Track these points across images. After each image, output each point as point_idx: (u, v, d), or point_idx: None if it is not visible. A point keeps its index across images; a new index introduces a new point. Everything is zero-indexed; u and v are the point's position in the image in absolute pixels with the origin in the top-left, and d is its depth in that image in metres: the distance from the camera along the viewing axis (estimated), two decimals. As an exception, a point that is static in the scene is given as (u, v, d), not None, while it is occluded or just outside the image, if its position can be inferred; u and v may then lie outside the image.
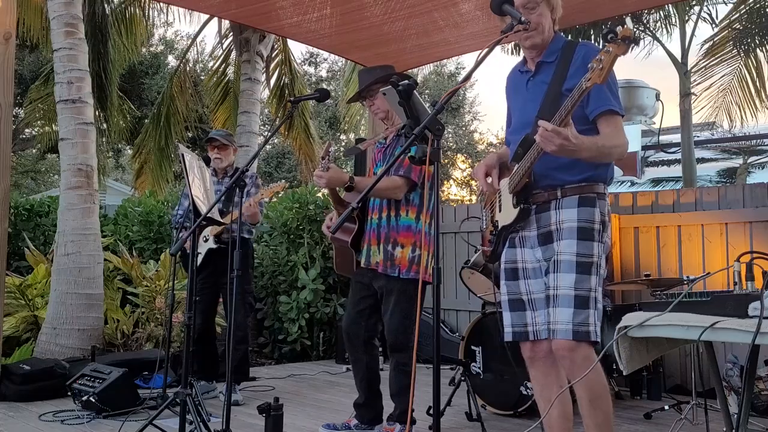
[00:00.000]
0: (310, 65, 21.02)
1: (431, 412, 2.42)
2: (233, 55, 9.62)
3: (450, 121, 20.13)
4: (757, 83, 8.99)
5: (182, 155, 3.35)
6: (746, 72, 9.03)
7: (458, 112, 20.63)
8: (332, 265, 5.93)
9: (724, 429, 2.51)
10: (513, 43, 9.67)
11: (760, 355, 2.93)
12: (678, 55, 10.13)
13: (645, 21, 9.99)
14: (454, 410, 3.90)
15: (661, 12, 9.82)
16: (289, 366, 6.08)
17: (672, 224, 5.02)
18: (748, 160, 17.00)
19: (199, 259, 4.45)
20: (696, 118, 10.02)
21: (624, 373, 2.23)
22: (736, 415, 2.01)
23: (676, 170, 14.42)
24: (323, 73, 21.49)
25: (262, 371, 5.67)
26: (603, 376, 2.36)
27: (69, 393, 4.18)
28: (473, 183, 21.11)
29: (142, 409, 3.99)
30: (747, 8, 8.65)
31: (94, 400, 3.87)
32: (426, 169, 3.21)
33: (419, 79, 17.35)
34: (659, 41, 10.14)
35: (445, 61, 18.05)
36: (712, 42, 9.08)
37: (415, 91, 2.50)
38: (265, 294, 6.60)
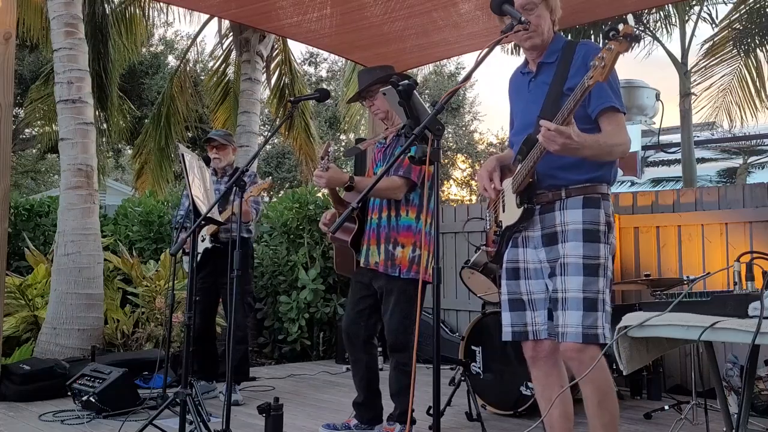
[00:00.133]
0: (310, 65, 21.04)
1: (431, 412, 2.42)
2: (233, 55, 9.62)
3: (450, 121, 20.13)
4: (757, 83, 8.99)
5: (182, 155, 3.35)
6: (746, 72, 9.03)
7: (458, 112, 20.63)
8: (332, 265, 5.94)
9: (724, 429, 2.50)
10: (513, 43, 9.67)
11: (760, 355, 2.93)
12: (678, 55, 10.13)
13: (645, 21, 9.99)
14: (454, 410, 3.90)
15: (661, 12, 9.82)
16: (289, 366, 6.08)
17: (672, 224, 5.02)
18: (748, 160, 17.00)
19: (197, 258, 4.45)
20: (696, 118, 10.03)
21: (624, 373, 2.22)
22: (736, 415, 2.01)
23: (676, 170, 14.42)
24: (323, 73, 21.51)
25: (262, 371, 5.67)
26: (610, 377, 2.35)
27: (69, 393, 4.18)
28: (473, 183, 21.13)
29: (142, 409, 3.99)
30: (747, 8, 8.65)
31: (94, 400, 3.87)
32: (426, 169, 3.21)
33: (419, 79, 17.35)
34: (659, 41, 10.15)
35: (445, 61, 18.08)
36: (712, 42, 9.08)
37: (415, 91, 2.50)
38: (265, 294, 6.60)
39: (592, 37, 9.45)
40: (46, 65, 10.63)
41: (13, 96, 4.39)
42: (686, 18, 10.09)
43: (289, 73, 9.72)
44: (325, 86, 19.62)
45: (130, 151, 15.28)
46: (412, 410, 2.36)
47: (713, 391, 2.78)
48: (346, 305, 3.69)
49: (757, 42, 8.79)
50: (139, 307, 5.83)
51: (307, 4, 5.05)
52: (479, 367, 4.13)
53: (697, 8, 9.94)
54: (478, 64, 2.22)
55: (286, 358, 6.37)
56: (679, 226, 5.00)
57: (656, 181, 17.04)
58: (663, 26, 10.09)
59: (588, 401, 2.33)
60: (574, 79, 2.27)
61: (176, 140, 9.79)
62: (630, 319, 2.13)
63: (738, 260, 2.45)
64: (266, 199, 17.34)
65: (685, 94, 9.79)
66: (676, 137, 10.33)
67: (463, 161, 21.57)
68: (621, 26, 1.90)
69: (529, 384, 3.83)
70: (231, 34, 9.34)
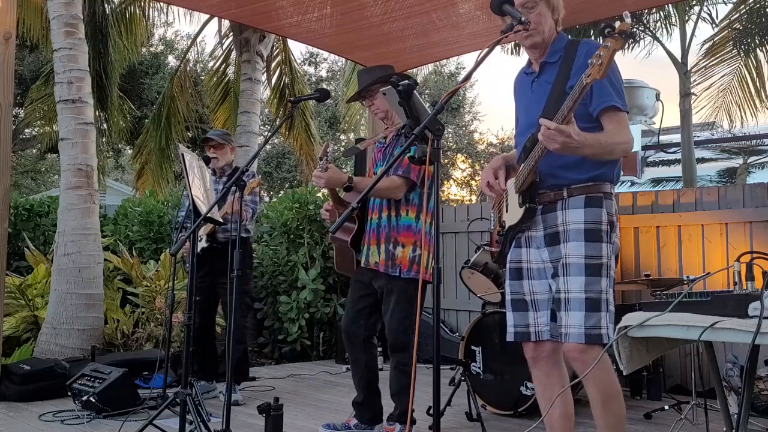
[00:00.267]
0: (310, 65, 21.02)
1: (431, 412, 2.42)
2: (233, 55, 9.62)
3: (450, 121, 20.12)
4: (757, 83, 9.00)
5: (182, 155, 3.35)
6: (746, 72, 9.03)
7: (458, 112, 20.62)
8: (332, 265, 5.94)
9: (724, 429, 2.50)
10: (513, 43, 9.67)
11: (760, 355, 2.93)
12: (678, 55, 10.14)
13: (645, 21, 10.00)
14: (454, 410, 3.90)
15: (661, 12, 9.83)
16: (289, 366, 6.08)
17: (672, 224, 5.02)
18: (748, 160, 17.01)
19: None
20: (696, 118, 10.03)
21: (624, 373, 2.22)
22: (736, 415, 2.01)
23: (676, 170, 14.44)
24: (323, 73, 21.50)
25: (262, 371, 5.67)
26: (615, 378, 2.33)
27: (69, 393, 4.18)
28: (473, 183, 21.12)
29: (142, 409, 3.99)
30: (747, 8, 8.65)
31: (94, 400, 3.87)
32: (426, 168, 3.21)
33: (419, 79, 17.34)
34: (659, 41, 10.15)
35: (445, 61, 18.06)
36: (712, 42, 9.09)
37: (415, 91, 2.50)
38: (265, 294, 6.60)
39: (592, 37, 9.45)
40: (46, 65, 10.63)
41: (13, 96, 4.39)
42: (686, 18, 10.10)
43: (289, 73, 9.72)
44: (325, 86, 19.62)
45: (130, 151, 15.28)
46: (412, 410, 2.36)
47: (713, 391, 2.78)
48: (346, 305, 3.69)
49: (757, 42, 8.80)
50: (139, 307, 5.83)
51: (307, 4, 5.05)
52: (479, 367, 4.13)
53: (697, 8, 9.95)
54: (478, 64, 2.21)
55: (286, 358, 6.37)
56: (679, 226, 5.00)
57: (656, 181, 17.06)
58: (663, 26, 10.09)
59: (593, 402, 2.33)
60: (575, 77, 2.26)
61: (176, 140, 9.79)
62: (630, 319, 2.12)
63: (738, 260, 2.46)
64: (266, 198, 17.37)
65: (685, 94, 9.79)
66: (676, 137, 10.34)
67: (463, 161, 21.57)
68: (617, 23, 1.90)
69: (529, 384, 3.83)
70: (231, 34, 9.34)
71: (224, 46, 9.91)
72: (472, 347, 4.19)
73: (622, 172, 2.54)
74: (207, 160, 4.47)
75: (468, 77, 2.36)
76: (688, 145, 9.83)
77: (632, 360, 2.15)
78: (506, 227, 2.51)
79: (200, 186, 3.50)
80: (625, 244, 5.18)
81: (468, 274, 4.29)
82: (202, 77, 13.12)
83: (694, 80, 9.66)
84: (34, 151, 18.44)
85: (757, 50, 8.86)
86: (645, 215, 5.14)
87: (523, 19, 2.29)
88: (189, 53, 10.73)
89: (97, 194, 5.62)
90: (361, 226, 3.49)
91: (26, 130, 15.77)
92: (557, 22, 2.45)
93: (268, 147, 17.95)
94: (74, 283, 5.28)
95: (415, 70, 9.70)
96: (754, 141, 15.19)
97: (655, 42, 10.20)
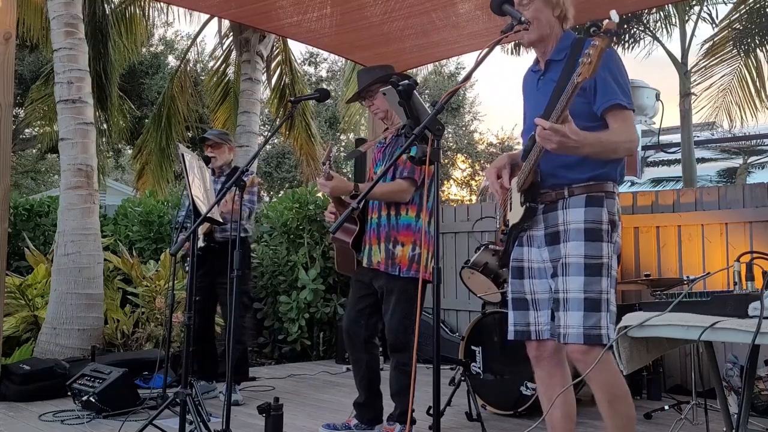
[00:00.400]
0: (310, 65, 21.02)
1: (431, 412, 2.42)
2: (233, 55, 9.62)
3: (450, 121, 20.12)
4: (757, 83, 9.01)
5: (182, 155, 3.35)
6: (746, 72, 9.04)
7: (458, 112, 20.61)
8: (332, 265, 5.94)
9: (724, 429, 2.50)
10: (513, 43, 9.68)
11: (760, 355, 2.93)
12: (678, 55, 10.14)
13: (645, 21, 10.00)
14: (454, 410, 3.90)
15: (661, 12, 9.83)
16: (289, 366, 6.08)
17: (672, 224, 5.02)
18: (748, 160, 17.02)
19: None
20: (696, 118, 10.04)
21: (624, 373, 2.22)
22: (736, 415, 2.01)
23: (676, 170, 14.44)
24: (323, 73, 21.50)
25: (262, 371, 5.67)
26: (621, 379, 2.30)
27: (69, 393, 4.18)
28: (473, 183, 21.12)
29: (142, 409, 3.99)
30: (747, 8, 8.66)
31: (94, 400, 3.87)
32: (426, 168, 3.21)
33: (419, 79, 17.35)
34: (659, 41, 10.16)
35: (445, 61, 18.07)
36: (712, 42, 9.10)
37: (415, 91, 2.50)
38: (265, 294, 6.60)
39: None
40: (46, 65, 10.63)
41: (13, 96, 4.39)
42: (686, 18, 10.10)
43: (289, 73, 9.72)
44: (325, 86, 19.62)
45: (130, 151, 15.29)
46: (412, 410, 2.36)
47: (713, 391, 2.78)
48: (347, 305, 3.69)
49: (757, 42, 8.80)
50: (139, 307, 5.83)
51: (307, 3, 5.05)
52: (479, 367, 4.13)
53: (697, 8, 9.96)
54: (478, 64, 2.21)
55: (286, 358, 6.37)
56: (679, 226, 5.00)
57: (656, 181, 17.07)
58: (663, 26, 10.10)
59: (599, 403, 2.31)
60: None
61: (176, 140, 9.79)
62: (630, 319, 2.13)
63: (738, 260, 2.45)
64: (266, 198, 17.36)
65: (685, 94, 9.80)
66: (676, 137, 10.35)
67: (463, 161, 21.55)
68: (605, 21, 1.90)
69: (529, 384, 3.83)
70: (231, 34, 9.34)
71: (224, 46, 9.92)
72: (472, 347, 4.19)
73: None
74: (207, 160, 4.47)
75: (468, 77, 2.36)
76: (688, 145, 9.84)
77: (632, 360, 2.15)
78: (509, 226, 2.51)
79: (200, 186, 3.50)
80: (625, 244, 5.18)
81: (468, 274, 4.29)
82: (202, 77, 13.12)
83: (694, 80, 9.67)
84: (34, 151, 18.45)
85: (757, 50, 8.87)
86: (645, 215, 5.14)
87: (522, 18, 2.28)
88: (189, 53, 10.74)
89: (97, 194, 5.62)
90: (362, 227, 3.50)
91: (26, 130, 15.77)
92: (561, 19, 2.42)
93: (268, 147, 17.95)
94: (74, 283, 5.28)
95: (415, 70, 9.71)
96: (754, 141, 15.20)
97: (655, 42, 10.22)
